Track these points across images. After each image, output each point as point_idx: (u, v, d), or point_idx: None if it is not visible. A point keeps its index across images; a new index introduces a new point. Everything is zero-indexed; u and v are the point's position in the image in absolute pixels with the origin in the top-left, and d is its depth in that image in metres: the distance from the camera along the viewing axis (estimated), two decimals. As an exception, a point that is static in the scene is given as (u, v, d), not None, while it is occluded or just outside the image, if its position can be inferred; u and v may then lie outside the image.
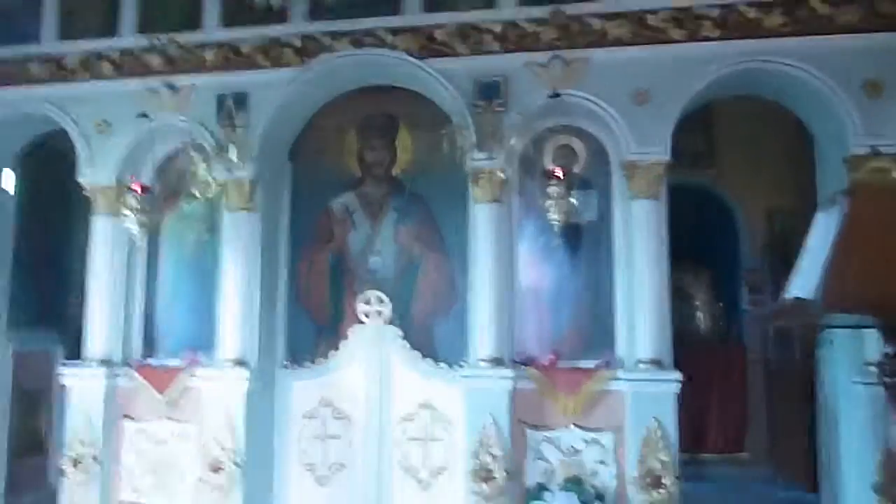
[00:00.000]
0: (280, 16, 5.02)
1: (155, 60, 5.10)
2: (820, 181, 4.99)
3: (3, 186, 5.75)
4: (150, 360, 5.08)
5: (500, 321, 4.57)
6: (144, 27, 5.19)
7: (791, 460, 6.39)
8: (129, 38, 5.19)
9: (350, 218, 5.30)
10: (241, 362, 4.79)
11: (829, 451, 4.84)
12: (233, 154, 4.80)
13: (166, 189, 5.26)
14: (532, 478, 4.48)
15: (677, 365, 4.38)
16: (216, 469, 4.67)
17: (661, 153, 4.48)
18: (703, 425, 7.27)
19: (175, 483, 4.94)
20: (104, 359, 4.99)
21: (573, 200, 4.39)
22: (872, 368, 2.72)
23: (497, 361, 4.50)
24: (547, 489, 4.37)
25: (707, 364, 7.17)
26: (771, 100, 4.94)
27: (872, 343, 3.19)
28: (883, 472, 3.49)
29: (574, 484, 4.33)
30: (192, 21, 5.12)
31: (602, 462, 4.44)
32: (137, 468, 5.00)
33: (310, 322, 5.25)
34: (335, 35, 4.90)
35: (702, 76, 4.48)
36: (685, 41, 4.53)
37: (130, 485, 5.00)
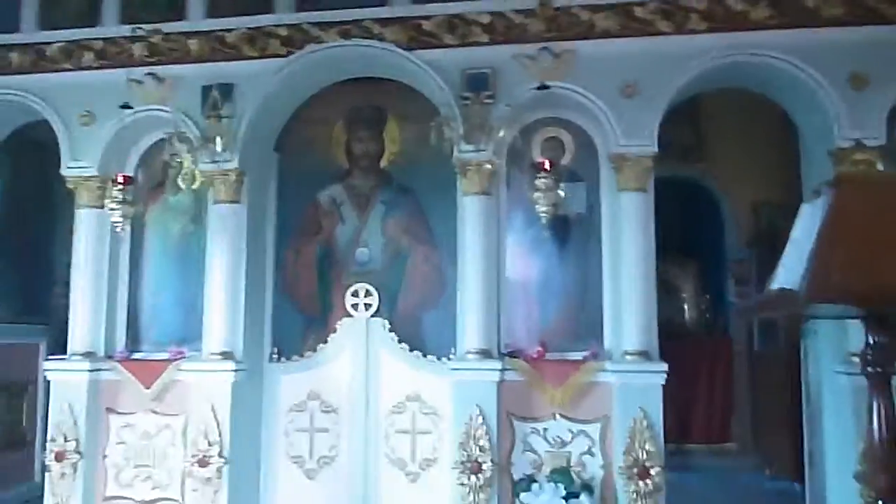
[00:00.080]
0: (266, 5, 4.97)
1: (138, 50, 5.04)
2: (805, 174, 5.02)
3: (-15, 177, 5.69)
4: (136, 354, 5.04)
5: (488, 313, 4.57)
6: (128, 16, 5.11)
7: (776, 450, 6.45)
8: (111, 27, 5.12)
9: (337, 210, 5.27)
10: (227, 355, 4.76)
11: (813, 441, 4.90)
12: (218, 145, 4.75)
13: (150, 180, 5.21)
14: (520, 469, 4.49)
15: (664, 356, 4.40)
16: (203, 463, 4.65)
17: (648, 146, 4.49)
18: (689, 416, 7.33)
19: (161, 477, 4.91)
20: (88, 352, 4.94)
21: (561, 193, 4.39)
22: (855, 359, 2.74)
23: (485, 353, 4.51)
24: (534, 480, 4.39)
25: (693, 355, 7.23)
26: (758, 93, 4.96)
27: (856, 334, 3.22)
28: (865, 461, 3.53)
29: (561, 475, 4.35)
30: (177, 10, 5.06)
31: (589, 453, 4.46)
32: (123, 462, 4.96)
33: (298, 315, 5.23)
34: (322, 25, 4.86)
35: (689, 69, 4.48)
36: (673, 33, 4.54)
37: (116, 479, 4.96)
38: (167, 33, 5.00)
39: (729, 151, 7.44)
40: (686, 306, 8.19)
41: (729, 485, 6.40)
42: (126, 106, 4.78)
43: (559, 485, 4.27)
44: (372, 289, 4.99)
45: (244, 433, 4.85)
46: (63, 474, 4.81)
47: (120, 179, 4.65)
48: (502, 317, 4.65)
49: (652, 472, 4.23)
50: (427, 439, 4.82)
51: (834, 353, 4.34)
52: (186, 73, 4.99)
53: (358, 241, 5.21)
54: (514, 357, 4.53)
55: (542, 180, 4.32)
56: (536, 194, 4.34)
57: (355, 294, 5.01)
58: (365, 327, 4.96)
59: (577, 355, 4.51)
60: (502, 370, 4.48)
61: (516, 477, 4.47)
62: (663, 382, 4.33)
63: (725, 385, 7.50)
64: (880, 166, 4.27)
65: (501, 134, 4.58)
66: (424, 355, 4.87)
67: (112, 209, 4.61)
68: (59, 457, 4.81)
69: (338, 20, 4.85)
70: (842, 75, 4.31)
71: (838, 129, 4.29)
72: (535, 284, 4.74)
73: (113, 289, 5.12)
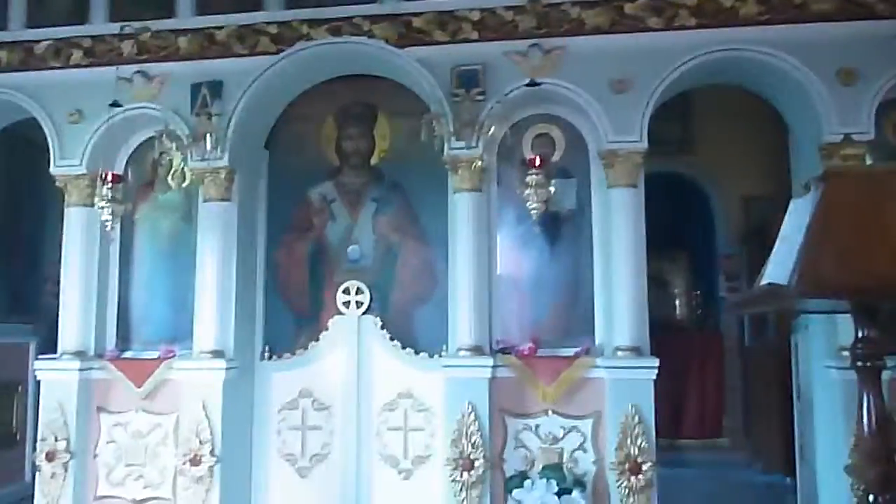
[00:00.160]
0: (256, 2, 4.95)
1: (127, 48, 5.01)
2: (795, 169, 5.05)
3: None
4: (126, 353, 5.01)
5: (480, 310, 4.57)
6: (117, 14, 5.08)
7: (768, 445, 6.49)
8: (100, 25, 5.08)
9: (328, 207, 5.26)
10: (218, 353, 4.74)
11: (804, 435, 4.93)
12: (208, 143, 4.73)
13: (140, 178, 5.18)
14: (512, 465, 4.50)
15: (655, 352, 4.42)
16: (195, 461, 4.63)
17: (638, 141, 4.49)
18: (681, 411, 7.37)
19: (153, 476, 4.89)
20: (79, 351, 4.91)
21: (552, 189, 4.39)
22: (845, 353, 2.76)
23: (477, 350, 4.51)
24: (527, 476, 4.39)
25: (685, 351, 7.26)
26: (748, 88, 4.98)
27: (846, 328, 3.24)
28: (855, 454, 3.56)
29: (553, 471, 4.36)
30: (166, 7, 5.02)
31: (581, 449, 4.47)
32: (114, 461, 4.94)
33: (289, 313, 5.21)
34: (312, 23, 4.84)
35: (679, 65, 4.49)
36: (662, 29, 4.54)
37: (107, 478, 4.94)
38: (156, 31, 4.98)
39: (719, 147, 7.46)
40: (677, 302, 8.22)
41: (721, 479, 6.43)
42: (115, 104, 4.75)
43: (551, 481, 4.28)
44: (363, 286, 4.98)
45: (236, 431, 4.84)
46: (54, 474, 4.79)
47: (109, 178, 4.61)
48: (494, 313, 4.65)
49: (644, 467, 4.25)
50: (419, 436, 4.82)
51: (824, 347, 4.36)
52: (176, 70, 4.96)
53: (349, 239, 5.20)
54: (506, 353, 4.53)
55: (533, 177, 4.31)
56: (527, 191, 4.34)
57: (347, 291, 5.00)
58: (356, 325, 4.95)
59: (569, 351, 4.51)
60: (494, 367, 4.48)
61: (508, 473, 4.48)
62: (655, 378, 4.34)
63: (717, 380, 7.54)
64: (869, 161, 4.30)
65: (492, 131, 4.57)
66: (416, 352, 4.86)
67: (102, 207, 4.57)
68: (50, 456, 4.78)
69: (328, 17, 4.83)
70: (830, 70, 4.33)
71: (827, 124, 4.31)
72: (527, 281, 4.75)
73: (103, 287, 5.09)
